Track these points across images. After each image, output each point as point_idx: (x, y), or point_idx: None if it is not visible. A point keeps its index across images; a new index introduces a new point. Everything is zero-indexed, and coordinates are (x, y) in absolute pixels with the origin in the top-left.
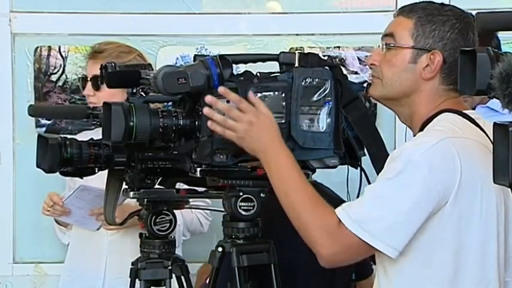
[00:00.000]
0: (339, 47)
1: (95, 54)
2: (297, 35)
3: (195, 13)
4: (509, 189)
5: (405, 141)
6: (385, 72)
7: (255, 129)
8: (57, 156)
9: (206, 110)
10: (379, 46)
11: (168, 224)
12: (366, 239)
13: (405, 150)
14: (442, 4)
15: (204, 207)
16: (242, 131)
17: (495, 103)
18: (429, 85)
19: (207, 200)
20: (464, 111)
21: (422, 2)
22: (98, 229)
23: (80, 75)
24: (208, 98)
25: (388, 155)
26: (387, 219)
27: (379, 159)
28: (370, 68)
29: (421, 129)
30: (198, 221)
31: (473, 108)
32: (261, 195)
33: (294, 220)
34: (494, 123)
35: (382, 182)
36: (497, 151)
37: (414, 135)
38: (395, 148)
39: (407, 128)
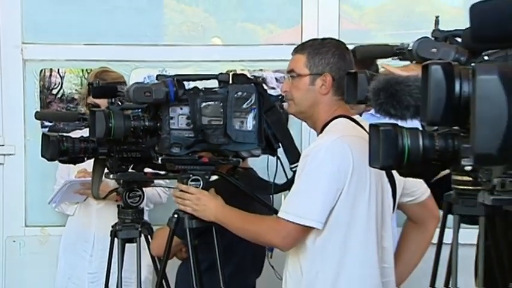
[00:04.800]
0: (261, 70)
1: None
2: (232, 61)
3: (158, 45)
4: (383, 173)
5: (308, 138)
6: (294, 95)
7: (201, 202)
8: (57, 149)
9: (178, 194)
10: (285, 78)
11: (138, 198)
12: (290, 218)
13: (312, 150)
14: (323, 39)
15: (164, 185)
16: (195, 206)
17: None
18: (326, 98)
19: (166, 180)
20: (352, 116)
21: (309, 41)
22: (84, 200)
23: (74, 90)
24: (183, 187)
25: (295, 147)
26: (309, 203)
27: (289, 150)
28: (284, 93)
29: (321, 131)
30: (158, 195)
31: (360, 114)
32: (206, 176)
33: (252, 238)
34: (370, 125)
35: (301, 178)
36: (372, 143)
37: (318, 135)
38: (301, 141)
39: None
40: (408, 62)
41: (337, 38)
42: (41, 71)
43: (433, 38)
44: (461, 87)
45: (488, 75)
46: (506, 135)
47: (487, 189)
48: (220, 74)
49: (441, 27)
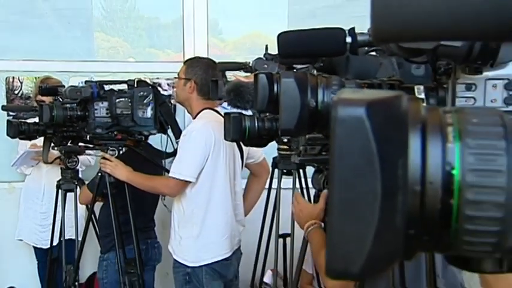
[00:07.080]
0: (158, 78)
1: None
2: (139, 72)
3: (88, 61)
4: (235, 144)
5: (188, 122)
6: (176, 91)
7: (118, 168)
8: (17, 130)
9: (102, 161)
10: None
11: (75, 162)
12: (176, 176)
13: (188, 130)
14: (202, 58)
15: (92, 154)
16: (113, 169)
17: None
18: (193, 96)
19: (93, 150)
20: (214, 108)
21: (195, 57)
22: (37, 164)
23: (30, 91)
24: (107, 156)
25: (179, 128)
26: (186, 165)
27: (175, 130)
28: (174, 89)
29: (195, 117)
30: (88, 160)
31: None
32: (119, 148)
33: (151, 190)
34: (225, 113)
35: (181, 149)
36: (226, 125)
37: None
38: (184, 125)
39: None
40: (249, 74)
41: None
42: (6, 78)
43: (264, 58)
44: (277, 87)
45: (288, 78)
46: (299, 118)
47: (296, 153)
48: (128, 80)
49: (270, 51)
